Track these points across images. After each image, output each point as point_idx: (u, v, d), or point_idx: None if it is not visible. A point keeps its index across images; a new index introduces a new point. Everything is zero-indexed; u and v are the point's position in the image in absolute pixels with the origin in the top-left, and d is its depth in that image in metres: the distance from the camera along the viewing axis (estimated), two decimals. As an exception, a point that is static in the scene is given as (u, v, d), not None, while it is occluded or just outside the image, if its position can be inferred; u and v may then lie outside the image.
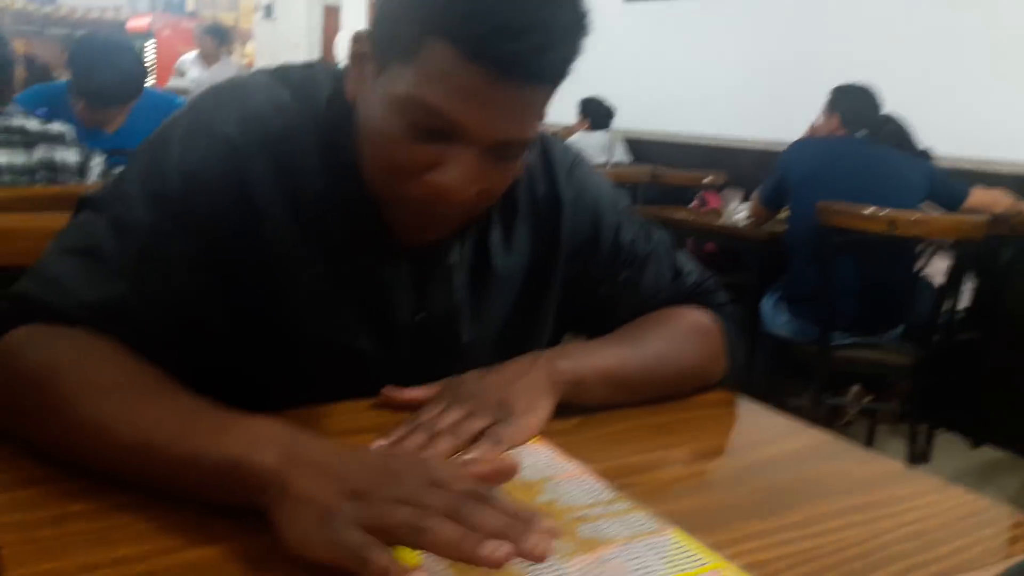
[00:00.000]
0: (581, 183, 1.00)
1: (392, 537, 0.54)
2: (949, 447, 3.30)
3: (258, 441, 0.62)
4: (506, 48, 0.69)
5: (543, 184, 0.98)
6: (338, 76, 0.88)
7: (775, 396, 3.06)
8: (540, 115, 0.77)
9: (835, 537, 0.69)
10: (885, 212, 2.51)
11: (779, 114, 4.30)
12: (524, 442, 0.81)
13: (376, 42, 0.78)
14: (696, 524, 0.68)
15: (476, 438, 0.78)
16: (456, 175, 0.75)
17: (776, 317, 2.94)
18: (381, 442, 0.76)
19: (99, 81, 2.49)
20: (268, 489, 0.59)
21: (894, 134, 3.24)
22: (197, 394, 0.71)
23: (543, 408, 0.84)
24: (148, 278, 0.78)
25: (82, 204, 0.83)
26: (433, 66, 0.71)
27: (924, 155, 3.27)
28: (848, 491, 0.78)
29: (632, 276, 1.02)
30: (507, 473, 0.64)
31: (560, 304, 1.02)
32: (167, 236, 0.79)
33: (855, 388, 3.32)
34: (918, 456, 2.87)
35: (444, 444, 0.76)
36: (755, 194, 3.16)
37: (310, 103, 0.86)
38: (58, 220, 1.10)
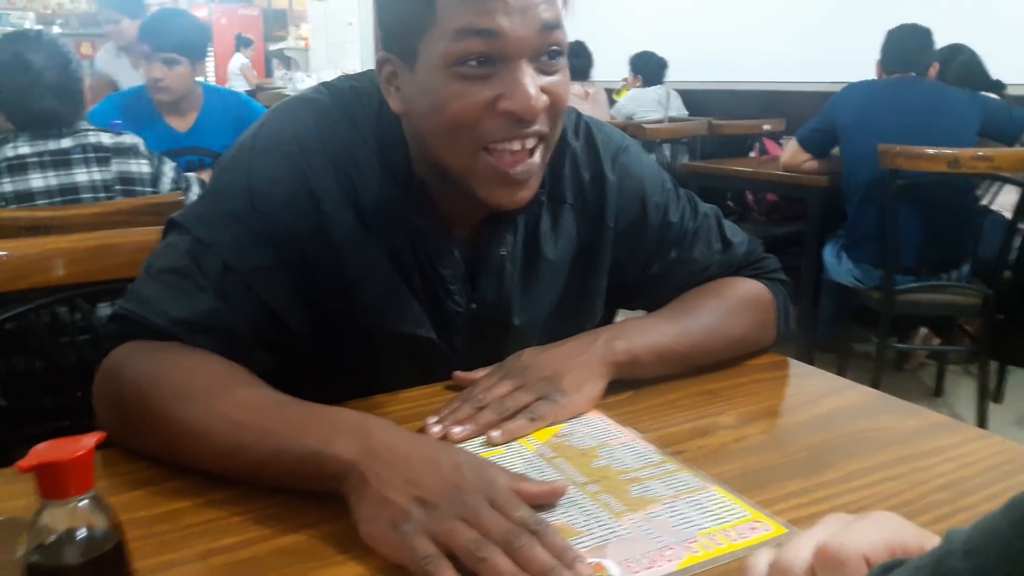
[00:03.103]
0: (626, 167, 1.05)
1: (453, 553, 0.61)
2: (1022, 385, 3.24)
3: (336, 434, 0.69)
4: None
5: (588, 170, 1.03)
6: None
7: (842, 344, 3.06)
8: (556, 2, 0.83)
9: (873, 491, 0.74)
10: (947, 151, 2.47)
11: (838, 55, 4.22)
12: (564, 420, 0.87)
13: (396, 46, 0.85)
14: (742, 485, 0.74)
15: (520, 411, 0.85)
16: (520, 86, 0.81)
17: (839, 264, 2.93)
18: (434, 418, 0.84)
19: (170, 33, 2.69)
20: (347, 479, 0.67)
21: (965, 65, 3.18)
22: (281, 391, 0.79)
23: (591, 389, 0.90)
24: (231, 291, 0.86)
25: (169, 226, 0.91)
26: (453, 4, 0.79)
27: (998, 85, 3.20)
28: (887, 445, 0.82)
29: (681, 254, 1.07)
30: (555, 495, 0.70)
31: (612, 283, 1.07)
32: (245, 250, 0.87)
33: (923, 331, 3.28)
34: (990, 396, 2.84)
35: (487, 416, 0.84)
36: (792, 140, 3.14)
37: (363, 115, 0.93)
38: (142, 235, 1.22)
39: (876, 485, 0.74)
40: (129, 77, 4.27)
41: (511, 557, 0.60)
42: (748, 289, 1.07)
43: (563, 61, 0.86)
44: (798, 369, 1.05)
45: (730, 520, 0.68)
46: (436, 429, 0.83)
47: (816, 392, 0.98)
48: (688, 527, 0.67)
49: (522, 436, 0.84)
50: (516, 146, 0.84)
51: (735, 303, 1.05)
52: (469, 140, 0.84)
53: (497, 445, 0.82)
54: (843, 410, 0.92)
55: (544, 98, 0.83)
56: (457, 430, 0.82)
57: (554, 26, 0.83)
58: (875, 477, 0.76)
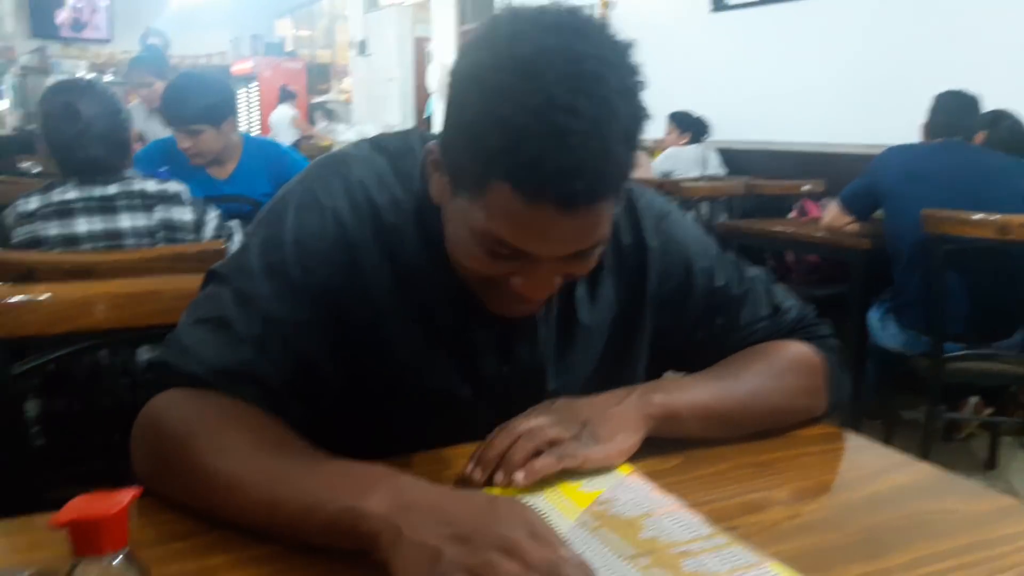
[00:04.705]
0: (669, 232, 1.03)
1: None
2: (1080, 460, 3.11)
3: (369, 490, 0.67)
4: (565, 188, 0.72)
5: (628, 235, 1.01)
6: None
7: (888, 412, 2.97)
8: (610, 217, 0.79)
9: (943, 580, 0.69)
10: (995, 217, 2.43)
11: (879, 117, 4.19)
12: (591, 467, 0.84)
13: (446, 165, 0.82)
14: (800, 566, 0.70)
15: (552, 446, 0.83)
16: (536, 283, 0.81)
17: (884, 329, 2.86)
18: (471, 465, 0.82)
19: (188, 104, 2.66)
20: (381, 535, 0.64)
21: (1010, 130, 3.14)
22: (315, 446, 0.78)
23: (624, 440, 0.87)
24: (270, 343, 0.85)
25: (210, 276, 0.91)
26: (499, 206, 0.75)
27: None
28: (956, 530, 0.78)
29: (728, 320, 1.04)
30: None
31: (657, 349, 1.05)
32: (286, 304, 0.86)
33: (973, 400, 3.18)
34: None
35: (524, 444, 0.81)
36: (834, 202, 3.10)
37: (407, 175, 0.92)
38: (184, 283, 1.21)
39: (947, 574, 0.70)
40: (160, 134, 3.96)
41: None
42: (795, 352, 1.03)
43: (600, 248, 0.83)
44: (853, 442, 1.00)
45: (790, 601, 0.64)
46: (471, 467, 0.82)
47: (873, 468, 0.93)
48: (747, 609, 0.63)
49: (548, 473, 0.81)
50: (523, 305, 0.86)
51: (780, 365, 1.01)
52: (478, 283, 0.85)
53: (522, 487, 0.79)
54: (904, 488, 0.87)
55: (559, 280, 0.83)
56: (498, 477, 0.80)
57: (592, 250, 0.81)
58: (945, 565, 0.71)
